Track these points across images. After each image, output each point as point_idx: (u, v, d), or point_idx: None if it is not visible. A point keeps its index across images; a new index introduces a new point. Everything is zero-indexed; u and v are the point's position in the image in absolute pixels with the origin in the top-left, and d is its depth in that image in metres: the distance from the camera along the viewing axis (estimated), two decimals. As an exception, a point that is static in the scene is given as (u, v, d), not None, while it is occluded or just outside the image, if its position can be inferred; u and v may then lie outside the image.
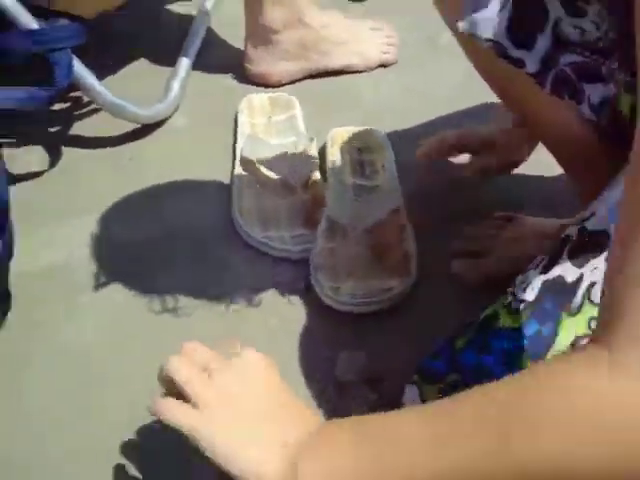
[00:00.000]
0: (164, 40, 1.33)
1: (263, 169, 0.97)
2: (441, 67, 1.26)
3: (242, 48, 1.25)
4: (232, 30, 1.31)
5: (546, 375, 0.43)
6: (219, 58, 1.30)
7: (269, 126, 1.13)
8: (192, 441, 0.56)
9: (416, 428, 0.47)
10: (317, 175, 1.00)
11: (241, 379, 0.60)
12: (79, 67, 1.05)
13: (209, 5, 1.35)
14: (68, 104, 1.20)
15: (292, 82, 1.25)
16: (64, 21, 1.04)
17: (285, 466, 0.52)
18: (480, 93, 0.89)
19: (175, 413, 0.58)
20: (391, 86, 1.24)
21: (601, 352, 0.39)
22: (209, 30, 1.34)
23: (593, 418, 0.39)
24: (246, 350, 0.62)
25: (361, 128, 1.08)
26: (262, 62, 1.22)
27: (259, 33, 1.20)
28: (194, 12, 1.36)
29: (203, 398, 0.58)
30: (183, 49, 1.26)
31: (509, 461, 0.41)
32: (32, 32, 1.01)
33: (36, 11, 1.03)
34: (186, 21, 1.34)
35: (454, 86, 1.19)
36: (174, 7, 1.44)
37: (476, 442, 0.42)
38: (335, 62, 1.24)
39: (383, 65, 1.28)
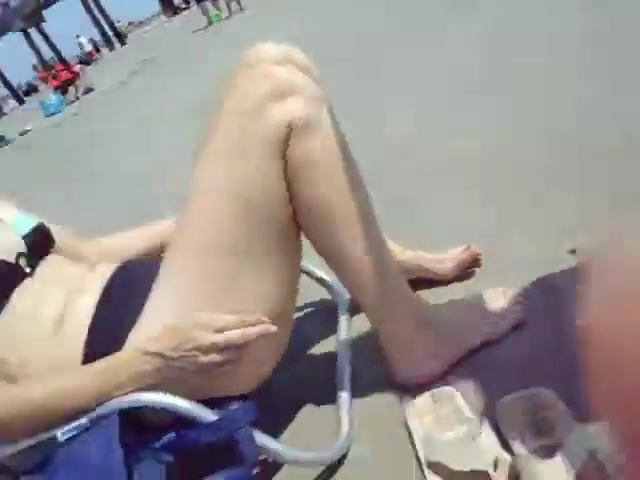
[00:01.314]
0: (318, 383, 1.45)
1: (453, 465, 1.00)
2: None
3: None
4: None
5: None
6: (371, 376, 1.38)
7: (438, 422, 1.17)
8: None
9: None
10: (503, 455, 1.02)
11: None
12: (260, 437, 1.11)
13: (343, 334, 1.48)
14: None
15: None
16: (236, 403, 1.12)
17: None
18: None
19: None
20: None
21: None
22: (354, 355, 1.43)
23: None
24: None
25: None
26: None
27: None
28: (332, 348, 1.50)
29: None
30: (337, 383, 1.35)
31: None
32: (213, 423, 1.07)
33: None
34: (331, 357, 1.47)
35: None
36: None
37: None
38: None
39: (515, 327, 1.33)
